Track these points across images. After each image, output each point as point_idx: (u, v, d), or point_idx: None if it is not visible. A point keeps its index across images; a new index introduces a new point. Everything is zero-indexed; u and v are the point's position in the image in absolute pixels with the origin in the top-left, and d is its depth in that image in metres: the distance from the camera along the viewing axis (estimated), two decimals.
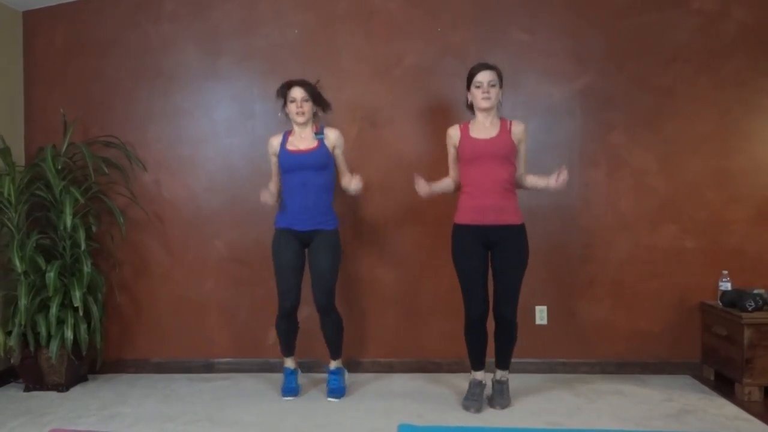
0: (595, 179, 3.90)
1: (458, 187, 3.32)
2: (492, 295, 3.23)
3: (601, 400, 3.38)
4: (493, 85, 3.15)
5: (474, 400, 3.22)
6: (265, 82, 3.90)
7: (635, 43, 3.85)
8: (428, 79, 3.89)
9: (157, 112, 3.92)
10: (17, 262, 3.39)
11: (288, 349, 3.48)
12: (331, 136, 3.38)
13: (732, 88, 3.84)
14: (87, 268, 3.55)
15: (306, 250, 3.40)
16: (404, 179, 3.90)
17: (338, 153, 3.43)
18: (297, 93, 3.30)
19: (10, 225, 3.52)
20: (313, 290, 3.34)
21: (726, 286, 3.70)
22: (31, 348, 3.52)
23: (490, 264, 3.23)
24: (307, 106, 3.31)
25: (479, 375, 3.30)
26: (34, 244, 3.49)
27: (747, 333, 3.39)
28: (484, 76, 3.15)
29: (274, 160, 3.41)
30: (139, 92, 3.92)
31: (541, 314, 3.89)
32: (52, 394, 3.52)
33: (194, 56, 3.92)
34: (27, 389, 3.58)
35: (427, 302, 3.91)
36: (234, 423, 3.07)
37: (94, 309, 3.61)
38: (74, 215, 3.52)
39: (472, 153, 3.18)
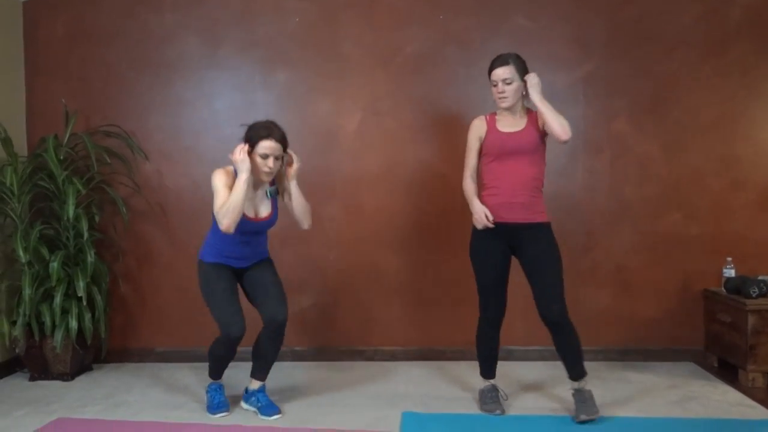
0: (598, 166, 3.88)
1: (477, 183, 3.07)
2: (535, 298, 2.94)
3: (603, 387, 3.38)
4: (509, 83, 2.89)
5: (494, 402, 3.05)
6: (266, 71, 3.89)
7: (638, 30, 3.82)
8: (430, 67, 3.87)
9: (159, 102, 3.91)
10: (21, 253, 3.40)
11: (220, 374, 3.17)
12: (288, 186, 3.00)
13: (736, 74, 3.81)
14: (90, 258, 3.56)
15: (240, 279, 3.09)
16: (406, 168, 3.90)
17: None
18: (272, 149, 2.84)
19: (13, 215, 3.52)
20: (267, 304, 3.00)
21: (730, 272, 3.69)
22: (36, 338, 3.53)
23: (521, 266, 2.99)
24: (277, 165, 2.90)
25: (492, 381, 3.14)
26: (38, 235, 3.49)
27: (751, 319, 3.39)
28: (497, 74, 2.91)
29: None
30: (140, 82, 3.90)
31: None
32: (57, 384, 3.54)
33: (195, 46, 3.90)
34: (32, 378, 3.59)
35: (432, 290, 3.90)
36: (239, 410, 3.08)
37: (98, 299, 3.61)
38: (77, 205, 3.51)
39: (500, 148, 2.94)
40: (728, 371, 3.60)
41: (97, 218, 3.72)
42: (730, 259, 3.74)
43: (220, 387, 3.15)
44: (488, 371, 3.14)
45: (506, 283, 3.06)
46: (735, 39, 3.80)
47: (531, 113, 3.00)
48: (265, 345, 3.02)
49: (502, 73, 2.90)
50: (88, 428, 2.87)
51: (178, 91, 3.91)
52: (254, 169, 2.86)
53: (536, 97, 2.88)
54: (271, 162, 2.84)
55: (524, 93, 2.94)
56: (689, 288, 3.87)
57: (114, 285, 3.86)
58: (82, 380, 3.60)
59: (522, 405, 3.13)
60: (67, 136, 3.69)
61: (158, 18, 3.90)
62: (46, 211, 3.69)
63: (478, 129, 3.04)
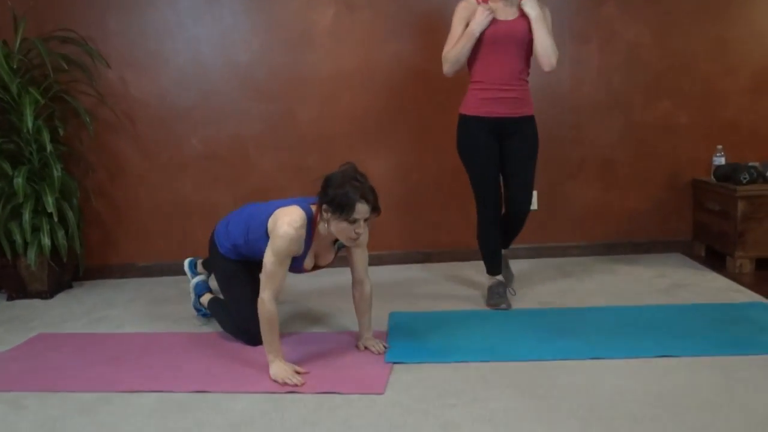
0: (585, 55, 3.70)
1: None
2: (508, 188, 2.98)
3: (590, 280, 3.37)
4: None
5: (501, 296, 2.99)
6: None
7: None
8: None
9: (116, 2, 3.61)
10: None
11: None
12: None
13: None
14: (57, 172, 3.38)
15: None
16: (384, 65, 3.70)
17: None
18: (364, 214, 2.28)
19: None
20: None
21: (720, 161, 3.61)
22: (9, 257, 3.41)
23: (500, 157, 2.94)
24: (365, 229, 2.36)
25: (499, 277, 3.08)
26: None
27: (741, 206, 3.34)
28: None
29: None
30: None
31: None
32: (37, 302, 3.45)
33: None
34: (10, 298, 3.50)
35: (416, 192, 3.80)
36: None
37: (70, 214, 3.47)
38: (36, 117, 3.31)
39: (492, 36, 2.79)
40: (716, 259, 3.59)
41: (61, 131, 3.51)
42: (720, 147, 3.64)
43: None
44: (495, 267, 3.08)
45: (499, 178, 2.99)
46: None
47: None
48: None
49: None
50: (70, 342, 2.81)
51: None
52: (328, 246, 2.44)
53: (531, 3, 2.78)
54: (361, 227, 2.30)
55: None
56: (678, 178, 3.80)
57: (86, 200, 3.71)
58: (61, 298, 3.52)
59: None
60: (18, 42, 3.41)
61: None
62: (5, 125, 3.48)
63: (465, 10, 2.85)
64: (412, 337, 2.67)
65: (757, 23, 3.65)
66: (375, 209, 2.29)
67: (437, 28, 3.63)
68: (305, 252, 2.43)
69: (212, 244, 2.76)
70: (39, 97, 3.31)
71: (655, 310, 2.87)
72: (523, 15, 2.83)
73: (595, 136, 3.77)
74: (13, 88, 3.28)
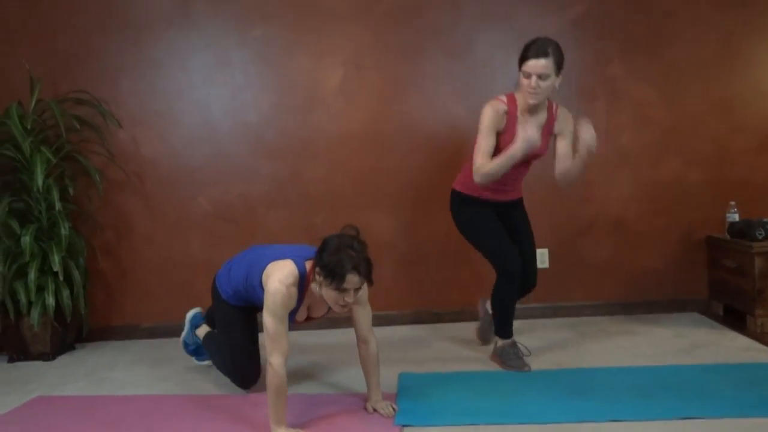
0: (593, 114, 3.69)
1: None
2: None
3: (606, 340, 3.26)
4: (544, 78, 2.60)
5: (519, 357, 2.88)
6: (241, 27, 3.68)
7: None
8: (414, 16, 3.67)
9: (129, 64, 3.70)
10: None
11: None
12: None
13: (735, 9, 3.65)
14: (65, 230, 3.37)
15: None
16: (391, 125, 3.72)
17: None
18: (356, 284, 2.22)
19: None
20: None
21: (733, 217, 3.55)
22: (12, 317, 3.36)
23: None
24: (354, 298, 2.27)
25: (512, 339, 2.95)
26: (7, 208, 3.30)
27: (758, 262, 3.26)
28: (532, 66, 2.58)
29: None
30: (107, 44, 3.68)
31: (542, 257, 3.74)
32: (38, 364, 3.37)
33: (165, 3, 3.68)
34: (11, 360, 3.42)
35: (424, 251, 3.75)
36: (227, 382, 2.92)
37: (76, 274, 3.44)
38: (47, 176, 3.33)
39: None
40: (735, 318, 3.48)
41: (71, 190, 3.52)
42: (733, 203, 3.60)
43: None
44: (509, 330, 2.95)
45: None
46: None
47: (551, 107, 2.80)
48: None
49: (538, 66, 2.58)
50: (68, 405, 2.72)
51: (149, 53, 3.70)
52: (322, 299, 2.32)
53: (584, 156, 2.69)
54: (350, 296, 2.23)
55: (557, 88, 2.71)
56: (691, 236, 3.74)
57: (92, 260, 3.69)
58: (63, 360, 3.44)
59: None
60: (33, 103, 3.47)
61: None
62: (16, 184, 3.50)
63: (496, 120, 2.71)
64: (423, 398, 2.56)
65: (762, 81, 3.67)
66: (368, 281, 2.23)
67: (443, 90, 3.69)
68: (297, 306, 2.38)
69: (214, 289, 2.76)
70: (51, 156, 3.34)
71: (675, 370, 2.75)
72: (548, 130, 2.79)
73: (605, 194, 3.74)
74: (26, 148, 3.31)
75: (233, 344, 2.67)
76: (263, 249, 2.59)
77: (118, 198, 3.74)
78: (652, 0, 3.65)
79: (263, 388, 2.38)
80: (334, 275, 2.17)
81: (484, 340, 3.24)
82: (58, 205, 3.33)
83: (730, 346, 3.06)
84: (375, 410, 2.44)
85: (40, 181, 3.27)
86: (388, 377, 2.80)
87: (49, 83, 3.63)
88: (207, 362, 3.16)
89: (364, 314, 2.46)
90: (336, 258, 2.17)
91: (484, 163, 2.70)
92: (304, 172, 3.73)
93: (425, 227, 3.74)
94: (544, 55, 2.59)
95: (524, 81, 2.65)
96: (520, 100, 2.74)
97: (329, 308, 2.47)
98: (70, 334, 3.58)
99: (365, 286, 2.30)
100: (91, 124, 3.63)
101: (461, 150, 3.72)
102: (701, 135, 3.71)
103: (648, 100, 3.70)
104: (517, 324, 3.03)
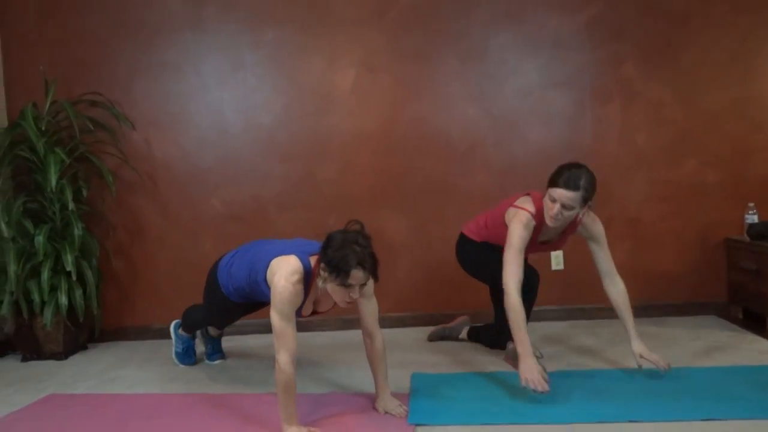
0: (608, 115, 3.69)
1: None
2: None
3: (625, 343, 3.17)
4: (569, 209, 2.54)
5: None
6: (253, 30, 3.70)
7: None
8: (425, 19, 3.66)
9: (143, 67, 3.72)
10: (4, 227, 3.24)
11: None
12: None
13: (750, 11, 3.61)
14: (78, 230, 3.38)
15: None
16: (405, 125, 3.71)
17: None
18: (361, 279, 2.19)
19: None
20: None
21: (752, 218, 3.49)
22: (25, 316, 3.37)
23: None
24: (360, 293, 2.25)
25: None
26: (21, 208, 3.32)
27: None
28: (560, 195, 2.51)
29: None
30: (121, 47, 3.71)
31: (557, 259, 3.70)
32: (51, 363, 3.38)
33: (178, 6, 3.70)
34: (24, 359, 3.43)
35: (437, 252, 3.72)
36: (238, 381, 2.91)
37: (89, 274, 3.45)
38: (61, 177, 3.35)
39: (529, 251, 2.75)
40: (754, 321, 3.41)
41: (84, 191, 3.55)
42: (752, 204, 3.54)
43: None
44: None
45: None
46: None
47: (575, 220, 2.70)
48: None
49: (565, 196, 2.51)
50: (80, 403, 2.71)
51: (163, 56, 3.72)
52: (328, 293, 2.28)
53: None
54: (356, 292, 2.21)
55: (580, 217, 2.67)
56: (709, 238, 3.68)
57: (105, 261, 3.70)
58: (76, 359, 3.44)
59: None
60: (48, 104, 3.50)
61: None
62: (30, 185, 3.52)
63: (527, 228, 2.65)
64: (436, 398, 2.53)
65: None
66: (373, 276, 2.20)
67: (455, 92, 3.67)
68: (303, 301, 2.35)
69: (214, 281, 2.71)
70: (64, 157, 3.36)
71: (694, 372, 2.70)
72: (570, 231, 2.76)
73: (620, 195, 3.69)
74: (40, 149, 3.34)
75: (214, 311, 2.83)
76: (264, 245, 2.57)
77: (131, 199, 3.75)
78: (665, 2, 3.62)
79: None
80: (339, 271, 2.14)
81: (432, 335, 3.42)
82: (71, 206, 3.35)
83: (749, 349, 3.00)
84: (386, 412, 2.41)
85: (53, 181, 3.29)
86: (401, 378, 2.78)
87: (64, 85, 3.65)
88: (218, 361, 3.15)
89: (369, 307, 2.43)
90: (341, 254, 2.14)
91: (514, 271, 2.59)
92: (317, 173, 3.73)
93: (438, 229, 3.71)
94: (575, 188, 2.50)
95: (549, 203, 2.58)
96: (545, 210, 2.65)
97: (335, 303, 2.44)
98: (83, 333, 3.59)
99: (371, 281, 2.27)
100: (104, 126, 3.65)
101: (474, 151, 3.70)
102: (718, 136, 3.67)
103: (663, 101, 3.66)
104: (530, 326, 2.97)
